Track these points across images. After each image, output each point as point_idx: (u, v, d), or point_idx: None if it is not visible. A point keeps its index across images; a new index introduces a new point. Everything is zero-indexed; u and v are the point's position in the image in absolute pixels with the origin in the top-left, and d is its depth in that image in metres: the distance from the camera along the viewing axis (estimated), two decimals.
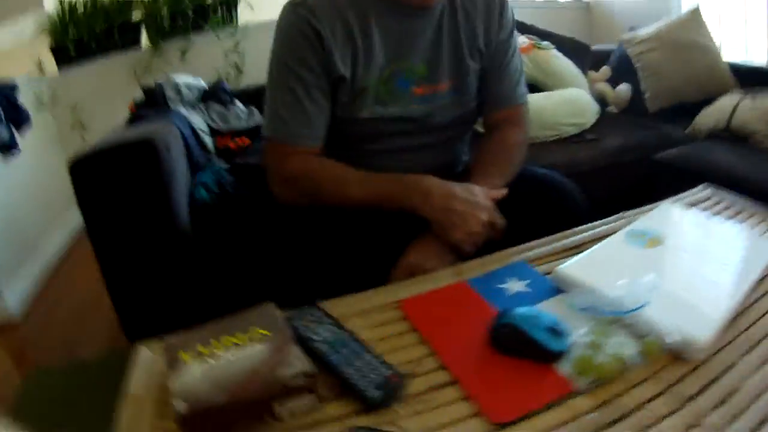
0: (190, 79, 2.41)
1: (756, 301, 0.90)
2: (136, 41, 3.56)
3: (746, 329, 0.83)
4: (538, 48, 2.69)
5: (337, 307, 0.89)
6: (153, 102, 2.26)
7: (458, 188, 1.12)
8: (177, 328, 0.87)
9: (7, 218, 2.69)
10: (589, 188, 1.44)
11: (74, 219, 3.41)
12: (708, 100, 2.56)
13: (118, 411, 0.70)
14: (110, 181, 1.53)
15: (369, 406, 0.69)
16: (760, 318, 0.86)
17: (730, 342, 0.81)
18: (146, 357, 0.79)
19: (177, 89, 2.30)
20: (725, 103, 2.45)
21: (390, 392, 0.70)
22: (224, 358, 0.67)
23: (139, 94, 2.82)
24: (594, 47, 3.09)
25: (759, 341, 0.81)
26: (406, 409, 0.70)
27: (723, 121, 2.37)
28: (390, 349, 0.80)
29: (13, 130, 2.68)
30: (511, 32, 1.35)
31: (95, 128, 3.37)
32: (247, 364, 0.67)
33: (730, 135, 2.34)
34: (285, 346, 0.69)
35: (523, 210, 1.18)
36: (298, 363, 0.68)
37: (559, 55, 2.74)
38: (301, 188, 1.21)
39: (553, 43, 2.78)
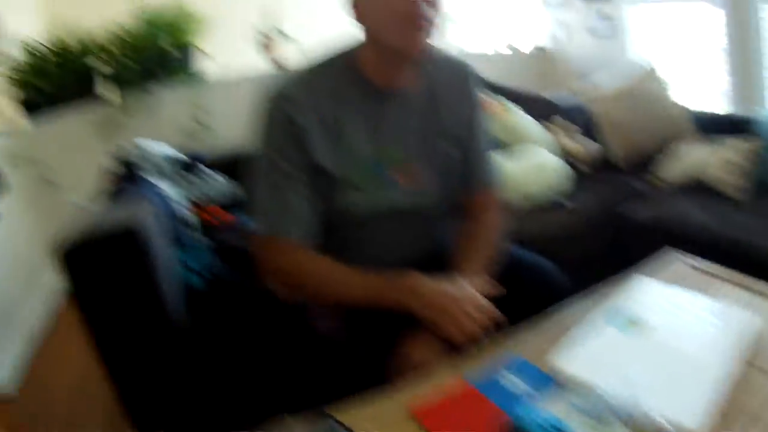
0: (165, 149, 2.43)
1: (745, 377, 0.98)
2: (99, 94, 3.52)
3: (739, 406, 0.92)
4: (502, 108, 2.76)
5: (345, 414, 0.92)
6: (130, 173, 2.26)
7: (448, 285, 1.17)
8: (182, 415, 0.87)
9: None
10: (562, 254, 1.53)
11: (52, 282, 3.38)
12: (669, 149, 2.67)
13: None
14: (97, 271, 1.54)
15: None
16: (751, 394, 0.95)
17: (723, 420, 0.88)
18: None
19: (153, 160, 2.32)
20: (689, 153, 2.56)
21: None
22: None
23: (108, 149, 2.91)
24: (551, 97, 3.18)
25: (752, 417, 0.90)
26: None
27: (688, 172, 2.48)
28: None
29: None
30: (479, 112, 1.42)
31: (65, 183, 3.38)
32: None
33: (693, 184, 2.44)
34: None
35: (508, 294, 1.23)
36: None
37: (523, 114, 2.82)
38: (291, 284, 1.24)
39: (513, 99, 2.86)
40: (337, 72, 1.26)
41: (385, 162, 1.29)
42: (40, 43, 3.35)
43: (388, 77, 1.26)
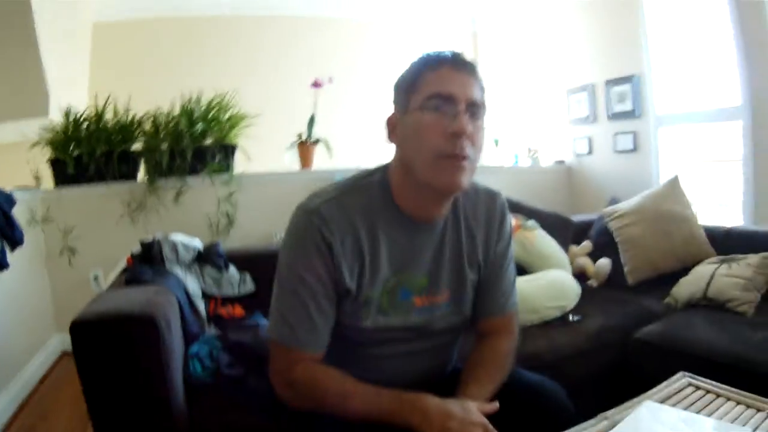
0: (186, 239, 2.49)
1: None
2: (133, 173, 3.68)
3: None
4: (525, 229, 2.79)
5: None
6: (150, 258, 2.33)
7: (454, 407, 1.16)
8: None
9: None
10: (571, 371, 1.51)
11: (55, 343, 3.48)
12: (686, 269, 2.67)
13: None
14: (108, 350, 1.57)
15: None
16: None
17: None
18: None
19: (174, 248, 2.38)
20: (702, 271, 2.56)
21: None
22: None
23: (132, 228, 3.18)
24: (575, 217, 3.23)
25: None
26: None
27: (700, 291, 2.46)
28: None
29: (5, 246, 2.68)
30: (509, 243, 1.43)
31: (83, 252, 3.49)
32: None
33: (707, 303, 2.43)
34: None
35: (513, 417, 1.22)
36: None
37: (544, 234, 2.84)
38: (304, 395, 1.23)
39: (537, 219, 2.90)
40: (369, 194, 1.29)
41: (409, 287, 1.31)
42: (78, 113, 3.51)
43: (420, 208, 1.28)
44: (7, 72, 3.80)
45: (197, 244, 2.52)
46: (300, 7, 5.70)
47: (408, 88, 1.24)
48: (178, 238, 2.47)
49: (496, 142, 4.90)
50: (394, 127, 1.27)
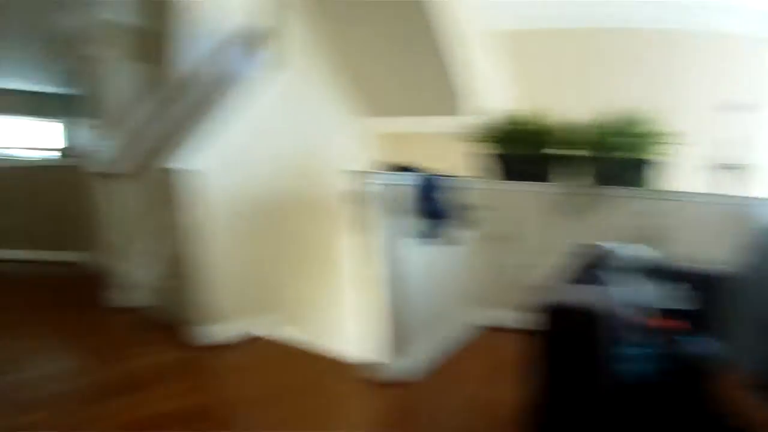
0: (629, 249, 2.68)
1: None
2: (545, 175, 4.04)
3: None
4: None
5: None
6: (596, 263, 2.60)
7: None
8: None
9: (426, 294, 3.37)
10: None
11: (474, 316, 4.09)
12: None
13: None
14: (566, 333, 1.93)
15: None
16: None
17: None
18: None
19: (619, 258, 2.61)
20: None
21: None
22: None
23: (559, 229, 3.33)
24: None
25: None
26: None
27: None
28: None
29: (437, 222, 3.35)
30: None
31: (513, 241, 3.95)
32: None
33: None
34: None
35: None
36: None
37: None
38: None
39: None
40: None
41: None
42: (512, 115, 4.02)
43: None
44: (428, 75, 4.63)
45: (643, 255, 2.69)
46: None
47: None
48: (624, 248, 2.69)
49: None
50: None
